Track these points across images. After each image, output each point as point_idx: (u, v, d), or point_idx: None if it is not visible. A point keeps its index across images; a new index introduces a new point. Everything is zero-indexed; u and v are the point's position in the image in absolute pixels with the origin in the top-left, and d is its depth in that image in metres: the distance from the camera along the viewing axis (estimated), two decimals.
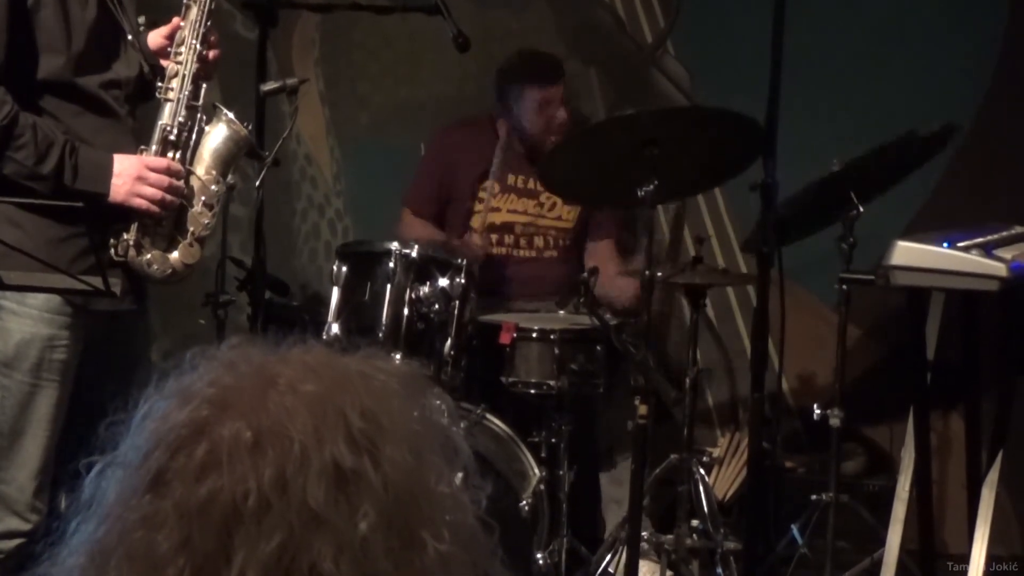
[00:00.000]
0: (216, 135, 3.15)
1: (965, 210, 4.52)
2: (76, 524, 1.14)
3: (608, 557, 4.06)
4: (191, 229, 3.11)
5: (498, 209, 4.68)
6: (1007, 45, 4.84)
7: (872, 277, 3.35)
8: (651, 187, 3.56)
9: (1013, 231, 3.49)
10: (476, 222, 4.64)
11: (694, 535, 4.13)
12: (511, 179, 4.70)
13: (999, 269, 3.14)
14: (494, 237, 4.68)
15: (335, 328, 3.96)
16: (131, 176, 3.00)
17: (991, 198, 4.66)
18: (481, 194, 4.66)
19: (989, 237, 3.33)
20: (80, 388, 3.05)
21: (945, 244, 3.19)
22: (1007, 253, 3.22)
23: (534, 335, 4.09)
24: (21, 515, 3.01)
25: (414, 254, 3.96)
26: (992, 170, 4.77)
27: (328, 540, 1.07)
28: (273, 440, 1.09)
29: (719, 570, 4.10)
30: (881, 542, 3.69)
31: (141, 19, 3.18)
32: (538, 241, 4.70)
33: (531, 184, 4.68)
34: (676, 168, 3.66)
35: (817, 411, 4.21)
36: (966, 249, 3.19)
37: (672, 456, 4.18)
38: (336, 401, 1.12)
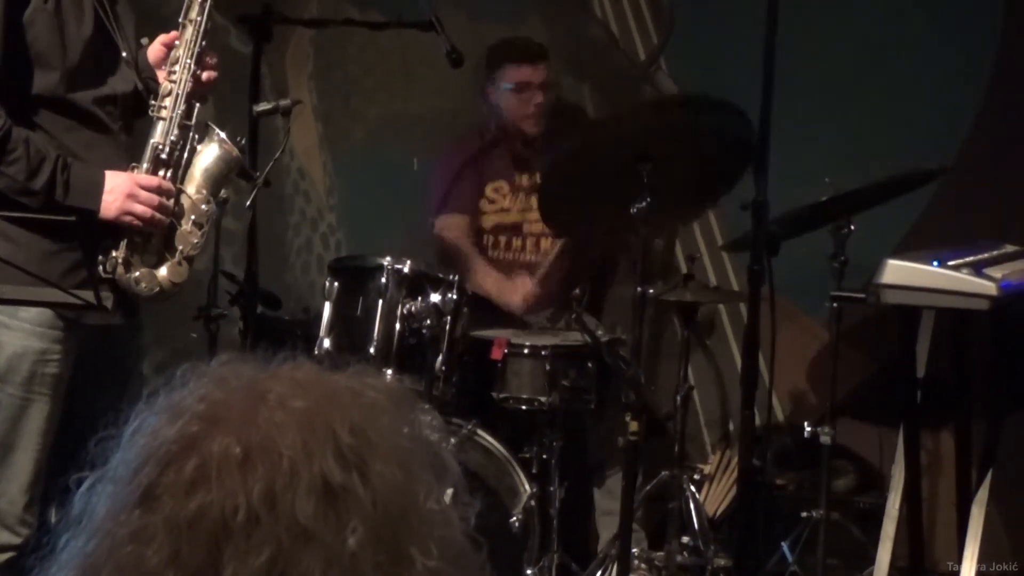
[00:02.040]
0: (208, 154, 3.15)
1: (956, 229, 4.53)
2: (66, 539, 1.14)
3: (599, 573, 4.06)
4: (180, 248, 3.11)
5: (508, 210, 4.69)
6: (999, 62, 4.85)
7: (863, 295, 3.36)
8: (643, 204, 3.56)
9: (1003, 250, 3.50)
10: (487, 223, 4.67)
11: (684, 551, 4.14)
12: (518, 178, 4.72)
13: (989, 288, 3.14)
14: (503, 240, 4.69)
15: (327, 343, 3.96)
16: (122, 193, 3.00)
17: (982, 217, 4.67)
18: (490, 195, 4.67)
19: (979, 256, 3.33)
20: (71, 402, 3.05)
21: (935, 263, 3.19)
22: (997, 272, 3.23)
23: (526, 351, 4.09)
24: (11, 529, 3.01)
25: (406, 269, 3.97)
26: (983, 189, 4.77)
27: (317, 555, 1.08)
28: (262, 455, 1.09)
29: None
30: (871, 559, 3.69)
31: (144, 40, 3.19)
32: (545, 243, 4.70)
33: (539, 179, 4.67)
34: (669, 185, 3.65)
35: (808, 428, 4.21)
36: (956, 268, 3.20)
37: (663, 472, 4.18)
38: (325, 417, 1.12)
